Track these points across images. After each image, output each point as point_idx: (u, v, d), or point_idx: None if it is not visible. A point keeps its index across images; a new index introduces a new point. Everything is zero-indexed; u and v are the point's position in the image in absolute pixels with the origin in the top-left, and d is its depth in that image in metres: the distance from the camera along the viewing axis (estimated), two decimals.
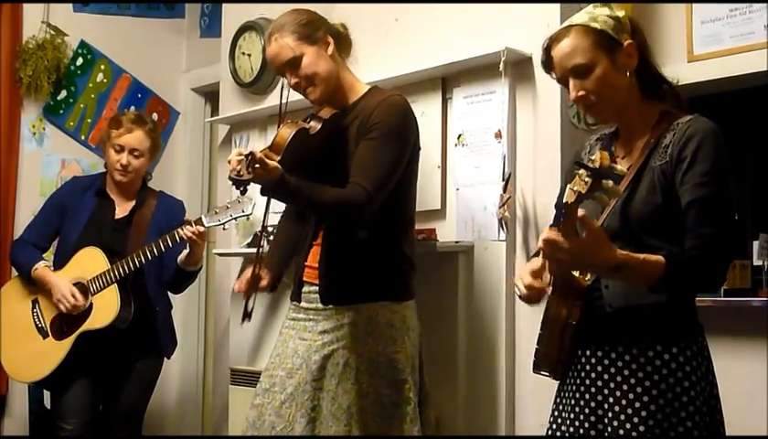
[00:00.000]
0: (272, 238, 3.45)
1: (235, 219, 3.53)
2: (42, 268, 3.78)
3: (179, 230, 3.54)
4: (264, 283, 3.04)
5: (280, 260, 3.18)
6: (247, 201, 3.44)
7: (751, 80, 3.20)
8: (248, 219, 3.61)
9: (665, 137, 2.20)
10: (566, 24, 2.28)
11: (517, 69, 3.32)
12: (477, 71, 3.40)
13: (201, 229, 3.53)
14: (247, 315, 3.00)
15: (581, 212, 1.95)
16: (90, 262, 3.70)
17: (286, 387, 2.87)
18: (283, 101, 2.93)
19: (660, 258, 2.03)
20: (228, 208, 3.50)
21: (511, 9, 3.38)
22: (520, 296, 2.31)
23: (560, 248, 1.96)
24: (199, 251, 3.66)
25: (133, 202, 3.88)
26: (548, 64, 2.32)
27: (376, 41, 3.75)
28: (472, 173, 3.41)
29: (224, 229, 3.64)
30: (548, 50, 2.30)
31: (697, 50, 3.28)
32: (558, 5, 3.22)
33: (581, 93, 2.23)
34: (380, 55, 3.73)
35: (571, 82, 2.25)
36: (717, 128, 2.17)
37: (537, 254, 2.38)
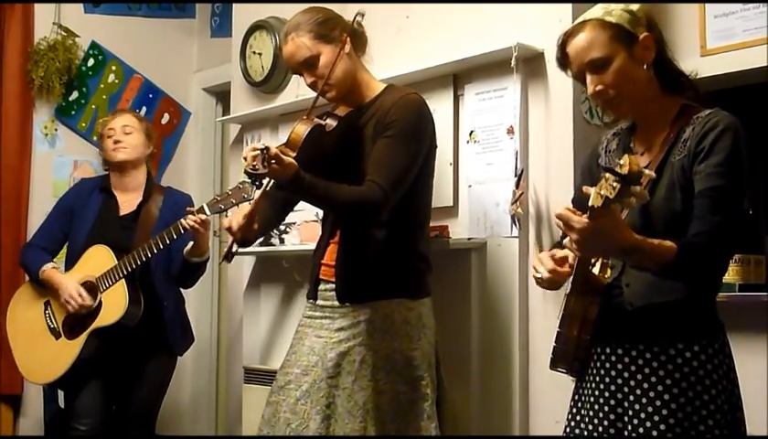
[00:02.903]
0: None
1: (237, 204, 3.49)
2: (49, 270, 3.81)
3: (181, 220, 3.54)
4: (255, 227, 2.88)
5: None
6: (248, 187, 3.42)
7: (765, 75, 3.18)
8: (250, 203, 3.59)
9: (684, 132, 2.19)
10: (580, 20, 2.27)
11: (529, 64, 3.31)
12: (489, 68, 3.39)
13: (203, 217, 3.51)
14: (230, 256, 2.92)
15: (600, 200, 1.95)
16: (98, 260, 3.72)
17: (302, 384, 2.88)
18: (300, 97, 2.92)
19: (672, 244, 2.04)
20: (229, 194, 3.46)
21: (523, 5, 3.36)
22: (538, 280, 2.29)
23: (571, 226, 1.97)
24: (204, 241, 3.65)
25: (139, 198, 3.89)
26: (563, 61, 2.30)
27: (387, 39, 3.75)
28: (484, 170, 3.40)
29: (226, 216, 3.62)
30: (563, 46, 2.28)
31: (710, 45, 3.26)
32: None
33: (599, 88, 2.21)
34: (392, 52, 3.72)
35: (589, 77, 2.23)
36: (737, 121, 2.16)
37: (559, 244, 2.38)
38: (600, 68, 2.21)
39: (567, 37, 2.27)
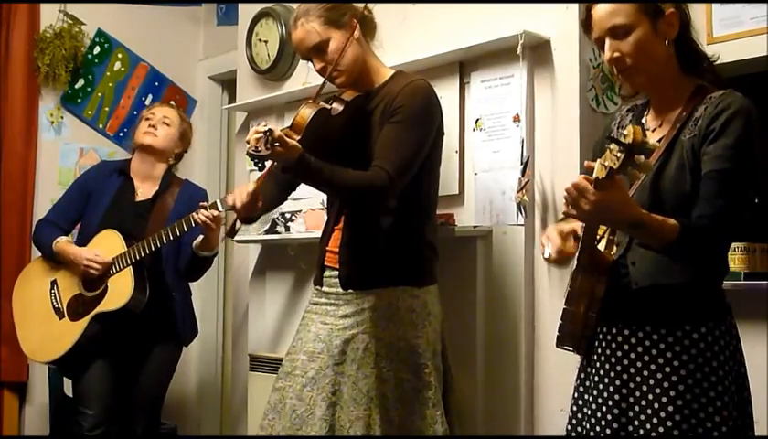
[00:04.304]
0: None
1: None
2: (63, 242, 3.83)
3: (194, 214, 3.56)
4: (259, 205, 2.89)
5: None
6: None
7: None
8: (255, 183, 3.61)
9: (696, 111, 2.19)
10: None
11: (536, 52, 3.30)
12: (495, 55, 3.39)
13: (215, 213, 3.53)
14: (233, 232, 2.94)
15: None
16: (108, 244, 3.74)
17: (308, 371, 2.88)
18: (306, 85, 2.92)
19: (676, 223, 2.05)
20: None
21: None
22: (546, 258, 2.31)
23: (586, 196, 1.97)
24: (214, 236, 3.67)
25: (156, 187, 3.91)
26: (587, 23, 2.30)
27: (394, 26, 3.73)
28: (490, 157, 3.40)
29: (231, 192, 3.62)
30: (588, 9, 2.28)
31: (716, 33, 3.24)
32: None
33: (616, 54, 2.22)
34: (398, 40, 3.71)
35: (608, 43, 2.23)
36: (751, 104, 2.16)
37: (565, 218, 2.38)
38: (621, 35, 2.21)
39: (594, 0, 2.27)
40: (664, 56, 2.24)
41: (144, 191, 3.92)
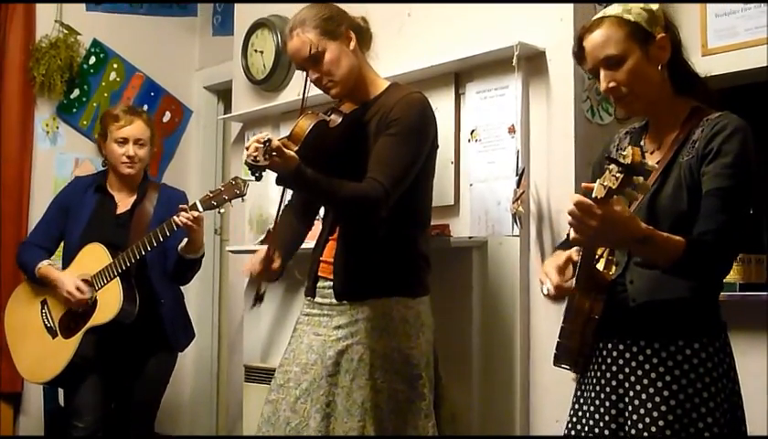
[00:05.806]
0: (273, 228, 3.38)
1: (230, 200, 3.47)
2: (45, 266, 3.80)
3: (174, 217, 3.53)
4: (276, 265, 2.94)
5: (283, 252, 3.06)
6: (241, 182, 3.42)
7: (766, 74, 3.17)
8: (243, 200, 3.58)
9: (693, 133, 2.20)
10: (599, 15, 2.27)
11: (531, 63, 3.31)
12: (490, 66, 3.39)
13: (195, 214, 3.51)
14: (259, 299, 2.97)
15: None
16: (93, 258, 3.72)
17: (301, 382, 2.87)
18: (300, 94, 2.92)
19: (681, 239, 2.05)
20: (222, 191, 3.46)
21: (524, 4, 3.36)
22: (545, 294, 2.28)
23: (592, 213, 1.95)
24: (198, 237, 3.65)
25: (134, 196, 3.89)
26: (579, 54, 2.31)
27: (389, 37, 3.73)
28: (485, 168, 3.40)
29: (219, 212, 3.59)
30: (580, 40, 2.29)
31: (711, 44, 3.25)
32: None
33: (611, 84, 2.22)
34: (393, 50, 3.71)
35: (602, 73, 2.24)
36: (746, 125, 2.17)
37: (561, 246, 2.38)
38: (614, 65, 2.21)
39: (585, 32, 2.28)
40: (658, 80, 2.24)
41: (123, 203, 3.89)
